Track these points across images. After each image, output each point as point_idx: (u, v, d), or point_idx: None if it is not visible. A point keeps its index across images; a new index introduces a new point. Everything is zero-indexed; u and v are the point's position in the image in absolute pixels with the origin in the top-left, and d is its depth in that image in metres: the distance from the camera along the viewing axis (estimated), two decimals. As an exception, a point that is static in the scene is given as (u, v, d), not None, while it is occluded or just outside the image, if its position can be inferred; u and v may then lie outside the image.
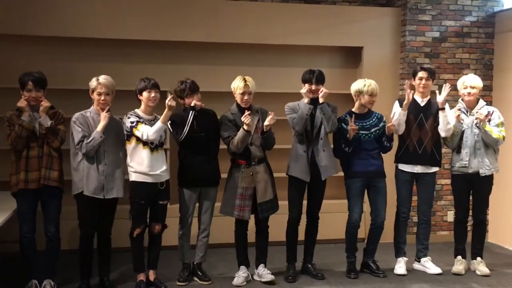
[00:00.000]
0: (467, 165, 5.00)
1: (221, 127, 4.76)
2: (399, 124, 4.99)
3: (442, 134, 5.02)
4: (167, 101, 4.41)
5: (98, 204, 4.44)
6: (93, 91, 4.45)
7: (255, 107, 4.82)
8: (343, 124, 4.91)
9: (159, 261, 4.77)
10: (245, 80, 4.69)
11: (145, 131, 4.40)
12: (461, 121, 4.98)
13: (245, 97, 4.69)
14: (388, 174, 5.16)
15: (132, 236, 4.58)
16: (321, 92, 4.74)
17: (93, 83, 4.45)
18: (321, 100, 4.75)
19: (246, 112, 4.58)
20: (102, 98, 4.41)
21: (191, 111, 4.66)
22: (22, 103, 4.26)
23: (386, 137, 4.98)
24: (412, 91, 5.05)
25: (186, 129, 4.63)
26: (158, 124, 4.41)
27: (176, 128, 4.68)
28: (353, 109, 5.02)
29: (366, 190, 5.01)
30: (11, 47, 5.78)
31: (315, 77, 4.81)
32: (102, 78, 4.45)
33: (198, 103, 4.68)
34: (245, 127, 4.56)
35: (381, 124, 4.99)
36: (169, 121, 4.58)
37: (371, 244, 5.12)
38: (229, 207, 4.73)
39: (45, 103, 4.33)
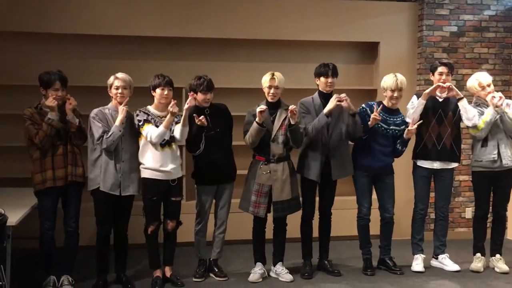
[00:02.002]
0: (496, 158, 4.92)
1: (245, 121, 4.73)
2: (414, 112, 4.90)
3: (468, 123, 4.91)
4: (169, 107, 4.38)
5: (114, 201, 4.46)
6: (110, 86, 4.47)
7: (285, 105, 4.75)
8: (368, 110, 4.87)
9: (176, 257, 4.78)
10: (272, 74, 4.66)
11: (149, 133, 4.40)
12: (496, 106, 4.81)
13: (272, 91, 4.65)
14: (406, 170, 5.11)
15: (147, 233, 4.59)
16: (344, 100, 4.63)
17: (110, 79, 4.48)
18: (351, 112, 4.69)
19: (263, 106, 4.55)
20: (120, 91, 4.43)
21: (204, 110, 4.66)
22: (52, 102, 4.25)
23: (402, 141, 4.92)
24: (438, 88, 4.96)
25: (202, 146, 4.63)
26: (161, 128, 4.39)
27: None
28: (384, 102, 4.98)
29: (373, 184, 4.99)
30: (25, 45, 5.83)
31: (331, 70, 4.78)
32: (120, 74, 4.49)
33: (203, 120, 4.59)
34: (256, 119, 4.53)
35: (402, 127, 4.93)
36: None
37: (384, 240, 5.09)
38: (246, 203, 4.73)
39: (73, 102, 4.37)
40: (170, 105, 4.41)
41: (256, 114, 4.54)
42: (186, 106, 4.46)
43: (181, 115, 4.54)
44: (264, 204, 4.67)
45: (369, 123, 4.80)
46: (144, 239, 4.64)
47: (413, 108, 4.94)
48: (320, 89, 4.87)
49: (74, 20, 5.73)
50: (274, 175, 4.66)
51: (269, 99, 4.67)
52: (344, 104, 4.66)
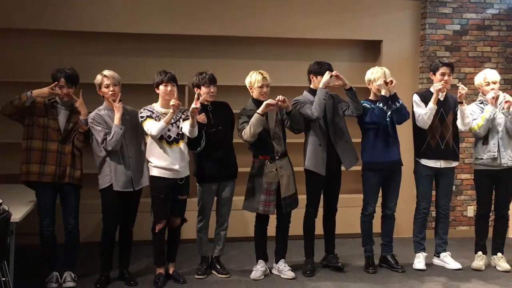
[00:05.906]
0: (496, 156, 4.94)
1: (239, 119, 4.73)
2: (428, 118, 4.90)
3: (462, 128, 4.96)
4: (171, 102, 4.34)
5: (124, 198, 4.45)
6: (100, 86, 4.44)
7: None
8: (367, 105, 4.86)
9: (178, 254, 4.80)
10: (261, 73, 4.69)
11: (150, 128, 4.39)
12: (497, 105, 4.88)
13: (264, 90, 4.68)
14: (407, 169, 5.10)
15: (154, 231, 4.60)
16: (335, 76, 4.65)
17: (98, 78, 4.45)
18: (347, 87, 4.71)
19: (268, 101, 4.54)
20: (111, 89, 4.40)
21: (207, 107, 4.67)
22: (47, 91, 4.31)
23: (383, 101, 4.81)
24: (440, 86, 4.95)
25: (203, 143, 4.63)
26: (161, 123, 4.36)
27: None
28: (370, 97, 4.99)
29: (382, 181, 4.98)
30: (29, 42, 5.85)
31: (331, 69, 4.79)
32: (106, 71, 4.46)
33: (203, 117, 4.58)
34: (260, 110, 4.52)
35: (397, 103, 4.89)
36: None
37: (386, 237, 5.10)
38: (254, 203, 4.71)
39: (78, 101, 4.38)
40: (172, 101, 4.37)
41: (250, 115, 4.55)
42: (191, 108, 4.36)
43: (185, 109, 4.56)
44: (273, 202, 4.69)
45: (384, 92, 4.77)
46: (148, 236, 4.65)
47: (426, 113, 4.88)
48: (313, 87, 4.87)
49: (78, 17, 5.74)
50: (281, 171, 4.68)
51: (263, 98, 4.66)
52: (338, 82, 4.68)
